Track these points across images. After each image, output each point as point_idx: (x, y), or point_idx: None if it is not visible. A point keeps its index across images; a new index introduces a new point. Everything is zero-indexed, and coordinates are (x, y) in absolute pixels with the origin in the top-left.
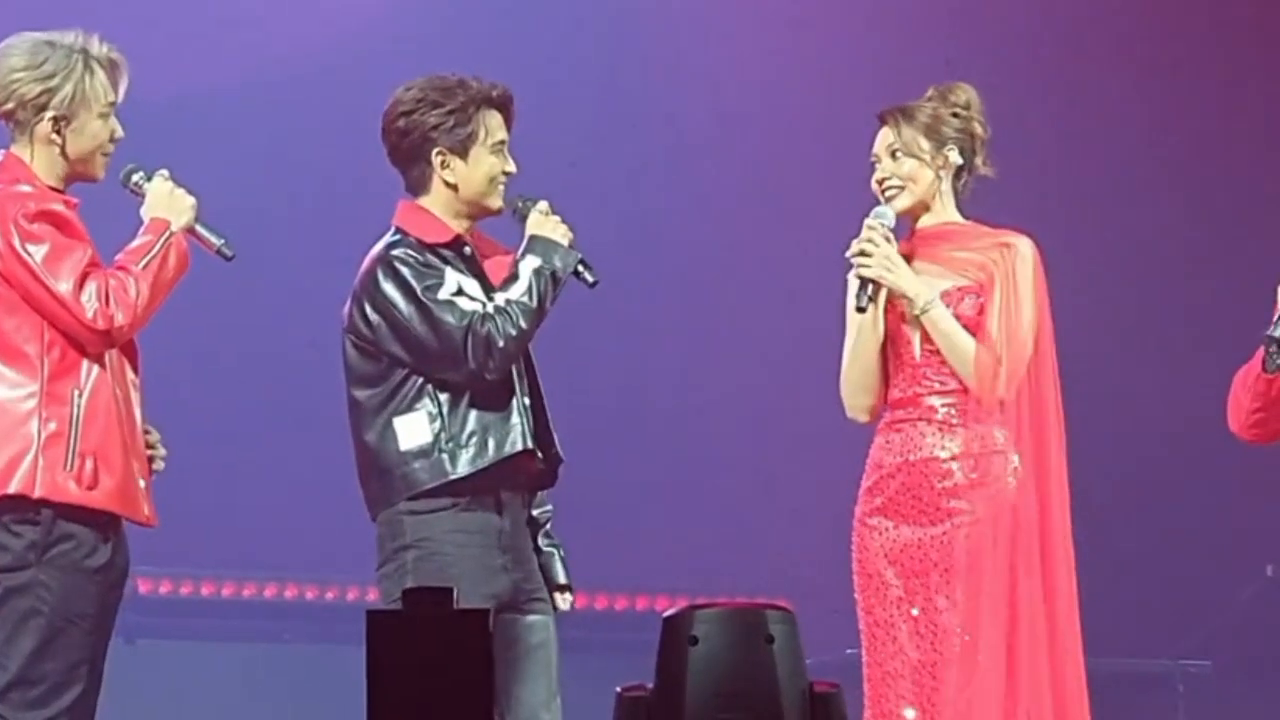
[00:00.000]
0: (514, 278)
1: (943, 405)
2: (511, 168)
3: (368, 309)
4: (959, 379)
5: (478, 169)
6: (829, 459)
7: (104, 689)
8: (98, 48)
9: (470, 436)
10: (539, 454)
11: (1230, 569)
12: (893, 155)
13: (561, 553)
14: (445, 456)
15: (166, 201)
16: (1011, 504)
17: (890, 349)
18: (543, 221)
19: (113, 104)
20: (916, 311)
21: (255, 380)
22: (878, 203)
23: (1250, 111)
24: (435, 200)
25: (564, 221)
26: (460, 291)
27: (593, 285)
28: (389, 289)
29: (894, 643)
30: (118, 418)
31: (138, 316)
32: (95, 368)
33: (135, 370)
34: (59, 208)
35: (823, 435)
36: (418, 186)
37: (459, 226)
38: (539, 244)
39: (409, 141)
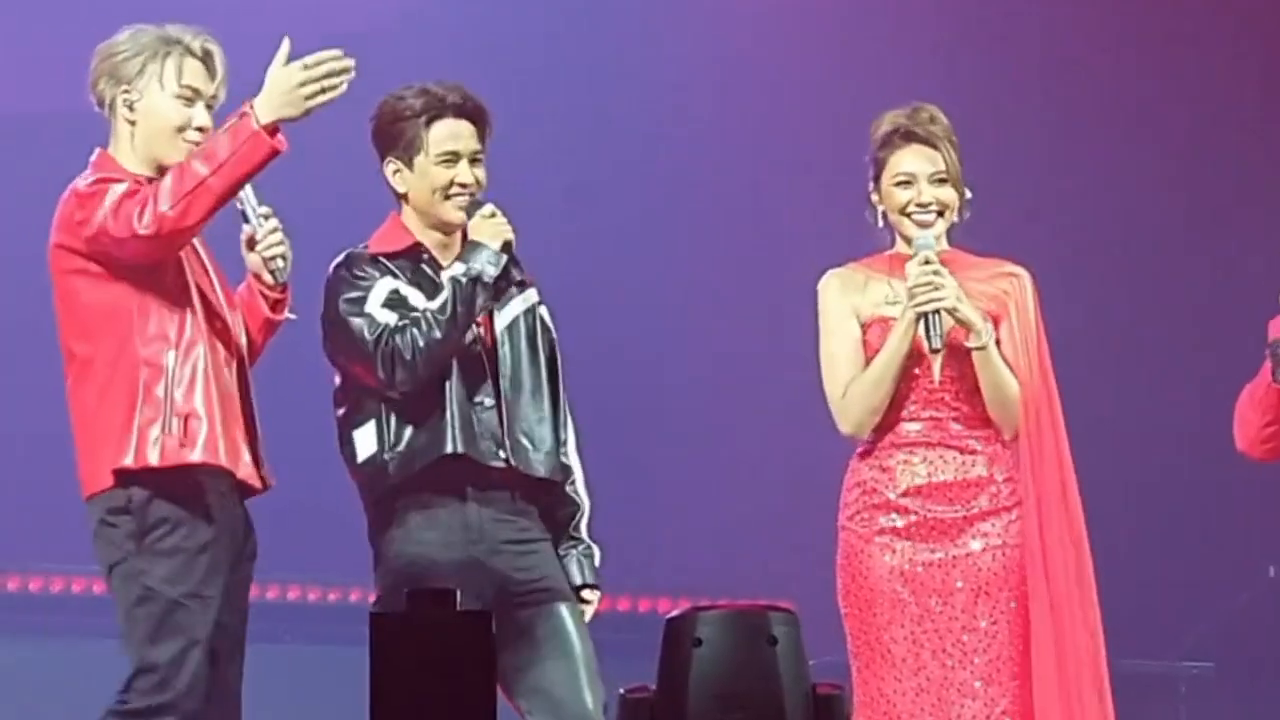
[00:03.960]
0: (440, 288)
1: (961, 430)
2: (466, 179)
3: (321, 323)
4: (973, 404)
5: (423, 180)
6: (833, 459)
7: (107, 688)
8: (191, 38)
9: (405, 443)
10: (493, 459)
11: (1232, 570)
12: (940, 181)
13: (581, 551)
14: (388, 464)
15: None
16: (1031, 525)
17: (909, 371)
18: (480, 225)
19: (195, 90)
20: (978, 344)
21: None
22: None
23: (1253, 112)
24: (407, 211)
25: (507, 222)
26: (392, 299)
27: (519, 284)
28: (327, 303)
29: (917, 659)
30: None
31: (164, 214)
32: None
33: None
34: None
35: (827, 436)
36: (395, 196)
37: (426, 237)
38: (468, 251)
39: (377, 150)
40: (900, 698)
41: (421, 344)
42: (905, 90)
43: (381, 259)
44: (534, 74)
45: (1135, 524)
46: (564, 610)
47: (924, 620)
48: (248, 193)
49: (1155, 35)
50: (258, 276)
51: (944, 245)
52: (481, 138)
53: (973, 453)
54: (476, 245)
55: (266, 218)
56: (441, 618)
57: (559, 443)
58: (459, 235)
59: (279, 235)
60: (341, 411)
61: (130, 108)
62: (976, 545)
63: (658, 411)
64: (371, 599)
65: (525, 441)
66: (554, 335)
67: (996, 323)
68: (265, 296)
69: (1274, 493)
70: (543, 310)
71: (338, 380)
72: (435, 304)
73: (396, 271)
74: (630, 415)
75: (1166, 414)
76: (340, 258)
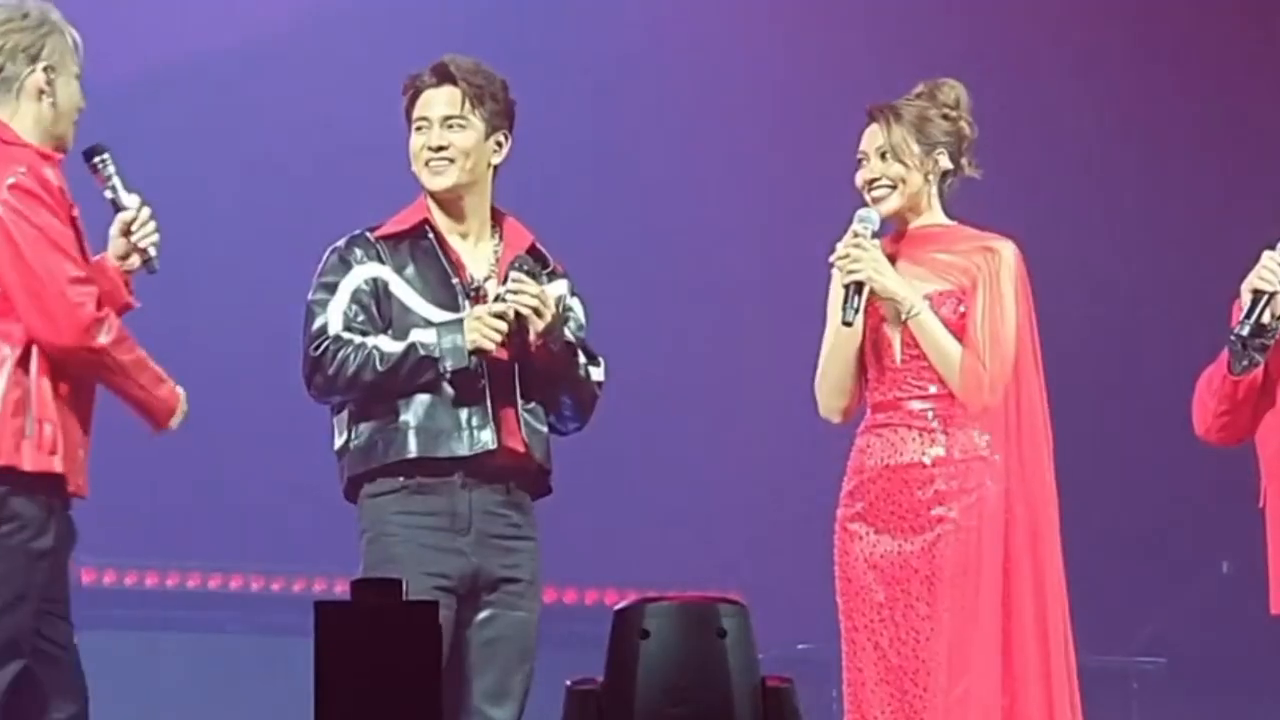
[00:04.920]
0: (440, 266)
1: (923, 410)
2: (433, 141)
3: None
4: (940, 383)
5: (412, 150)
6: (782, 453)
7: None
8: (59, 16)
9: (364, 438)
10: (475, 446)
11: (1185, 566)
12: (882, 156)
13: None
14: (351, 458)
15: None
16: (995, 507)
17: (870, 352)
18: (475, 314)
19: (81, 70)
20: (905, 316)
21: (203, 370)
22: (862, 200)
23: (1243, 104)
24: None
25: (497, 333)
26: (364, 289)
27: (549, 273)
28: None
29: (876, 649)
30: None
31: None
32: None
33: None
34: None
35: (778, 430)
36: None
37: (436, 213)
38: (449, 329)
39: None
40: (861, 689)
41: (348, 372)
42: (915, 82)
43: (380, 242)
44: (533, 73)
45: (1089, 520)
46: (525, 618)
47: (882, 609)
48: (116, 181)
49: (1155, 30)
50: (122, 260)
51: (941, 219)
52: (462, 102)
53: (933, 433)
54: (458, 333)
55: (139, 206)
56: (386, 607)
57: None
58: (478, 216)
59: (154, 224)
60: None
61: (50, 82)
62: (935, 530)
63: (607, 405)
64: (318, 585)
65: (534, 421)
66: (583, 325)
67: (964, 295)
68: (128, 284)
69: (1227, 489)
70: (573, 302)
71: None
72: (387, 348)
73: (389, 255)
74: None
75: (1120, 411)
76: (342, 240)
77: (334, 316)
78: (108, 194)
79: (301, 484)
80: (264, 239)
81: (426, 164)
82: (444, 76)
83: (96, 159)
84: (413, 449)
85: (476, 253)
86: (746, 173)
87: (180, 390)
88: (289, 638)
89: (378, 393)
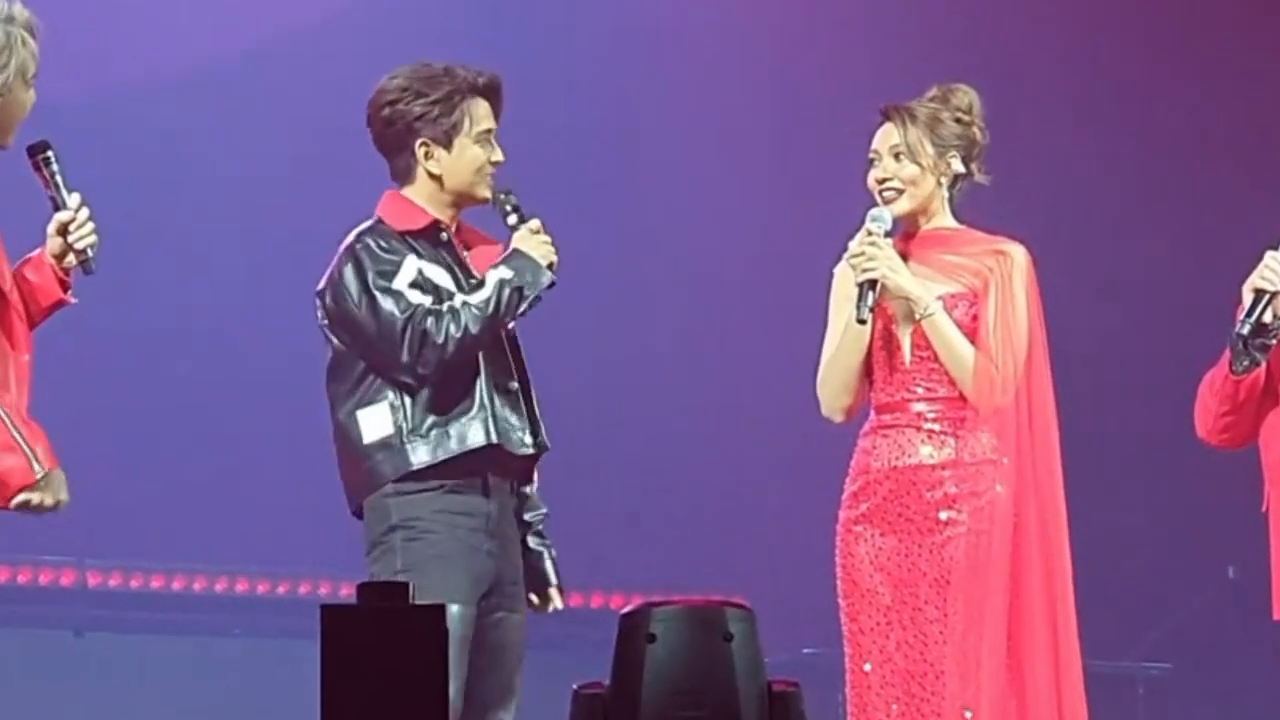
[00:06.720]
0: (480, 284)
1: (931, 411)
2: (499, 157)
3: (328, 297)
4: (949, 384)
5: (462, 159)
6: (788, 455)
7: (53, 681)
8: (23, 13)
9: (430, 428)
10: (522, 447)
11: (1192, 571)
12: (895, 156)
13: (552, 553)
14: (408, 448)
15: None
16: (1005, 510)
17: (880, 352)
18: (527, 238)
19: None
20: (919, 316)
21: (207, 373)
22: (871, 199)
23: (1243, 104)
24: (419, 190)
25: (550, 242)
26: (419, 279)
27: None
28: (347, 276)
29: (882, 651)
30: None
31: None
32: None
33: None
34: None
35: (783, 432)
36: (402, 176)
37: (442, 214)
38: (516, 258)
39: (393, 131)
40: (866, 692)
41: (457, 334)
42: (929, 79)
43: (407, 237)
44: (532, 71)
45: (1094, 525)
46: (521, 619)
47: (890, 612)
48: (59, 179)
49: (1157, 30)
50: (58, 259)
51: (950, 222)
52: (498, 115)
53: (942, 435)
54: (527, 258)
55: (79, 207)
56: (394, 610)
57: None
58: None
59: (91, 225)
60: (341, 388)
61: None
62: (944, 532)
63: (610, 406)
64: (324, 589)
65: (541, 424)
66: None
67: (976, 297)
68: (63, 281)
69: (1234, 494)
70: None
71: (333, 358)
72: (476, 299)
73: (420, 250)
74: (582, 410)
75: (1125, 415)
76: (362, 229)
77: (410, 295)
78: (49, 192)
79: (306, 486)
80: (264, 242)
81: (485, 176)
82: (496, 87)
83: (39, 156)
84: (492, 436)
85: (475, 254)
86: (746, 173)
87: (42, 470)
88: (294, 641)
89: (484, 344)
